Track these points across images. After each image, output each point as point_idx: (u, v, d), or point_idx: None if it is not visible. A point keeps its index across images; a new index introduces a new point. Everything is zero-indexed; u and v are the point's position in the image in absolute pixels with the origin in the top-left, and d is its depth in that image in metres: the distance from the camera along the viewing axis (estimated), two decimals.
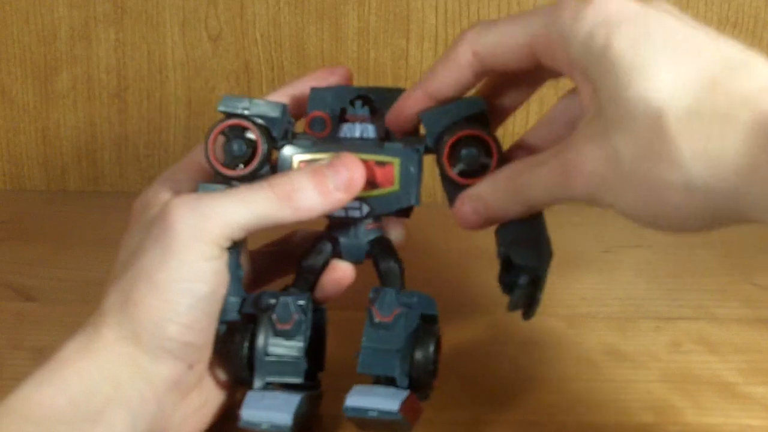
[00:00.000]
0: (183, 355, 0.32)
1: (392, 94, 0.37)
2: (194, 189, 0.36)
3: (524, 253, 0.34)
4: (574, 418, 0.39)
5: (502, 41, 0.32)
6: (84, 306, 0.36)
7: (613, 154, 0.28)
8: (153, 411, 0.32)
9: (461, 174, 0.35)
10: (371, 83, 0.63)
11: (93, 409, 0.30)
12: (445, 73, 0.34)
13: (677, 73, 0.27)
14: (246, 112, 0.35)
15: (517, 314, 0.36)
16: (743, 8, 0.60)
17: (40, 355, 0.43)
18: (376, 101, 0.38)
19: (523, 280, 0.34)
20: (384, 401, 0.33)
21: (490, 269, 0.36)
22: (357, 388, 0.34)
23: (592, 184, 0.29)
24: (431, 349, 0.34)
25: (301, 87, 0.38)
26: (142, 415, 0.31)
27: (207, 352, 0.34)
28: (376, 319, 0.34)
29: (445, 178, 0.36)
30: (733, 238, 0.61)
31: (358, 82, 0.63)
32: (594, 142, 0.29)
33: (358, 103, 0.37)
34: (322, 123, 0.37)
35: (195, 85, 0.64)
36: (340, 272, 0.37)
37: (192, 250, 0.32)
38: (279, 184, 0.34)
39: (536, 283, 0.34)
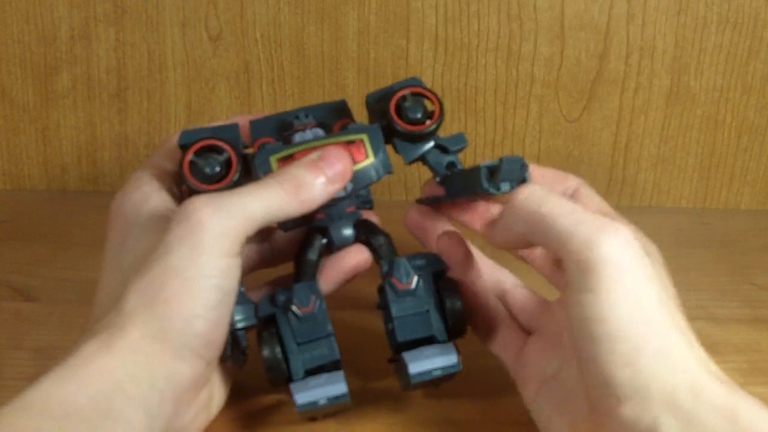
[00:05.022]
0: (204, 353, 0.33)
1: (327, 108, 0.40)
2: (172, 189, 0.38)
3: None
4: None
5: None
6: (84, 306, 0.36)
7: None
8: (170, 411, 0.32)
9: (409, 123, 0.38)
10: (371, 83, 0.63)
11: (113, 408, 0.30)
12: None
13: None
14: (212, 135, 0.37)
15: None
16: (743, 8, 0.60)
17: (40, 355, 0.43)
18: (315, 117, 0.39)
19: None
20: (442, 359, 0.35)
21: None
22: (408, 356, 0.36)
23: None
24: (457, 296, 0.37)
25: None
26: (160, 416, 0.31)
27: (220, 349, 0.34)
28: (400, 289, 0.36)
29: (391, 131, 0.39)
30: (733, 238, 0.61)
31: (358, 81, 0.63)
32: None
33: (302, 114, 0.39)
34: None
35: (195, 85, 0.64)
36: (361, 256, 0.38)
37: (220, 247, 0.32)
38: (285, 180, 0.35)
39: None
